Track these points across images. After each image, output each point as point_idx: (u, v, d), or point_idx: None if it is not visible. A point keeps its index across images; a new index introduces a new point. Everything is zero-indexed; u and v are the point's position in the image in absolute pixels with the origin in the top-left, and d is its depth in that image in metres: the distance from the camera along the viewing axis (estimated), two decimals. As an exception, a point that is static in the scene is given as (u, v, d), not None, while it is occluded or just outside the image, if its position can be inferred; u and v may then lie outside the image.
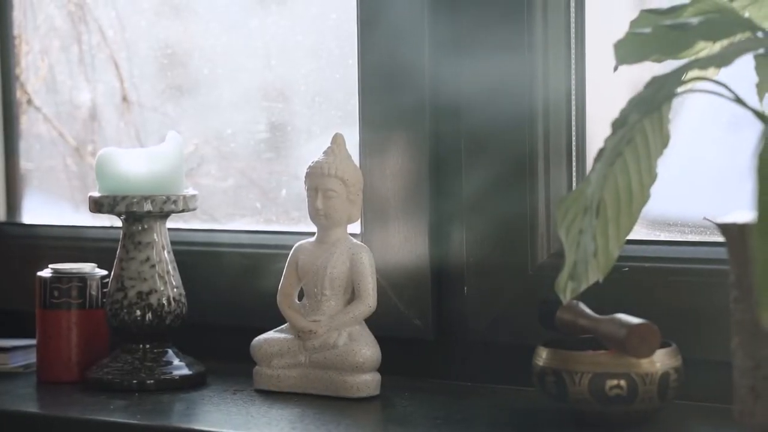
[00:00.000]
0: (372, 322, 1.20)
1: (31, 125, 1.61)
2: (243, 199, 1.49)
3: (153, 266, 1.26)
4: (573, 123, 1.22)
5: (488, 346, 1.23)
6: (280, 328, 1.23)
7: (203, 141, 1.51)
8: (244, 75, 1.52)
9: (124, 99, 1.55)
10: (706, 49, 0.94)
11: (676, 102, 0.92)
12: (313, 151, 1.24)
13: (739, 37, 0.90)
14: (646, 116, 0.88)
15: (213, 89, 1.53)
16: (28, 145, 1.62)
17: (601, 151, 0.88)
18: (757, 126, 0.86)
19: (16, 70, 1.60)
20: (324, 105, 1.45)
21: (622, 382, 1.03)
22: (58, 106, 1.60)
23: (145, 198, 1.25)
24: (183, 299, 1.28)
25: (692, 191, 1.22)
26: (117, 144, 1.51)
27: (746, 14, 0.95)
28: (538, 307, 1.13)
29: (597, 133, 1.22)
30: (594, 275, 0.92)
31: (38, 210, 1.61)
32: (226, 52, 1.52)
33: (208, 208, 1.48)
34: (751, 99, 0.92)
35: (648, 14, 0.90)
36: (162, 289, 1.26)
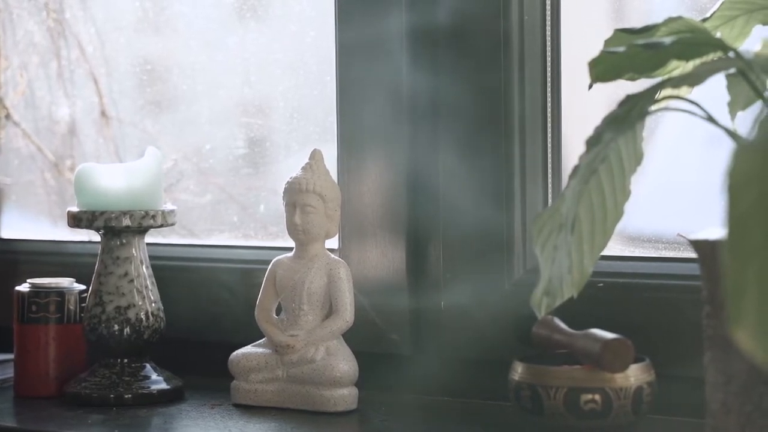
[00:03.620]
0: (349, 336, 1.21)
1: (9, 140, 1.61)
2: (221, 215, 1.50)
3: (131, 281, 1.27)
4: (549, 140, 1.23)
5: (465, 361, 1.24)
6: (257, 342, 1.23)
7: (182, 156, 1.52)
8: (222, 91, 1.52)
9: (103, 114, 1.55)
10: (679, 68, 0.95)
11: (651, 120, 0.93)
12: (292, 166, 1.24)
13: (711, 56, 0.92)
14: (620, 134, 0.89)
15: (192, 105, 1.54)
16: (7, 160, 1.62)
17: (575, 169, 0.88)
18: (730, 144, 0.87)
19: (-5, 85, 1.61)
20: (302, 121, 1.45)
21: (597, 397, 1.04)
22: (36, 121, 1.60)
23: (124, 213, 1.25)
24: (161, 314, 1.28)
25: (666, 208, 1.23)
26: (96, 159, 1.52)
27: (718, 34, 0.96)
28: (513, 323, 1.14)
29: (572, 151, 1.23)
30: (569, 291, 0.93)
31: (16, 225, 1.61)
32: (205, 68, 1.52)
33: (186, 223, 1.49)
34: (724, 117, 0.93)
35: (622, 34, 0.91)
36: (140, 303, 1.27)
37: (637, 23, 0.94)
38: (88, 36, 1.56)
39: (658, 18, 0.91)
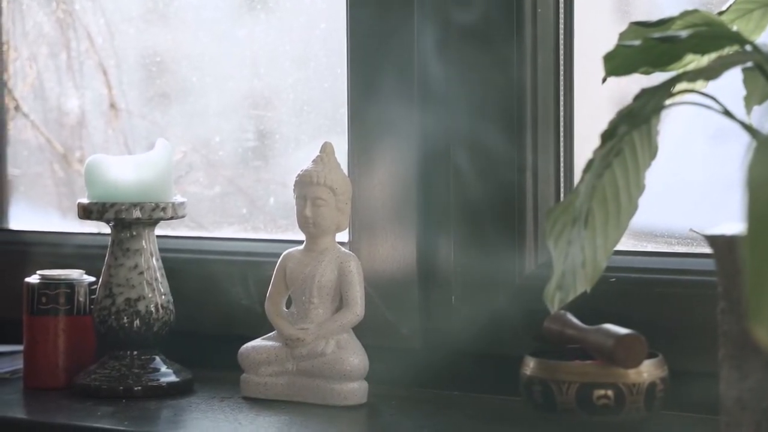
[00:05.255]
0: (359, 330, 1.20)
1: (18, 132, 1.61)
2: (231, 207, 1.49)
3: (141, 273, 1.26)
4: (561, 134, 1.23)
5: (475, 356, 1.23)
6: (267, 335, 1.23)
7: (191, 149, 1.51)
8: (232, 83, 1.52)
9: (112, 106, 1.55)
10: (694, 62, 0.95)
11: (662, 114, 0.92)
12: (302, 159, 1.24)
13: (727, 50, 0.91)
14: (635, 128, 0.89)
15: (201, 97, 1.53)
16: (16, 151, 1.61)
17: (589, 163, 0.88)
18: (744, 138, 0.87)
19: (3, 76, 1.60)
20: (312, 114, 1.45)
21: (610, 392, 1.03)
22: (46, 113, 1.60)
23: (134, 205, 1.25)
24: (171, 306, 1.28)
25: (679, 203, 1.23)
26: (104, 151, 1.51)
27: (734, 28, 0.96)
28: (525, 317, 1.14)
29: (585, 145, 1.22)
30: (582, 286, 0.92)
31: (25, 216, 1.61)
32: (214, 60, 1.52)
33: (196, 216, 1.49)
34: (739, 111, 0.92)
35: (637, 27, 0.91)
36: (150, 296, 1.26)
37: (651, 17, 0.93)
38: (97, 27, 1.56)
39: (670, 11, 0.91)
